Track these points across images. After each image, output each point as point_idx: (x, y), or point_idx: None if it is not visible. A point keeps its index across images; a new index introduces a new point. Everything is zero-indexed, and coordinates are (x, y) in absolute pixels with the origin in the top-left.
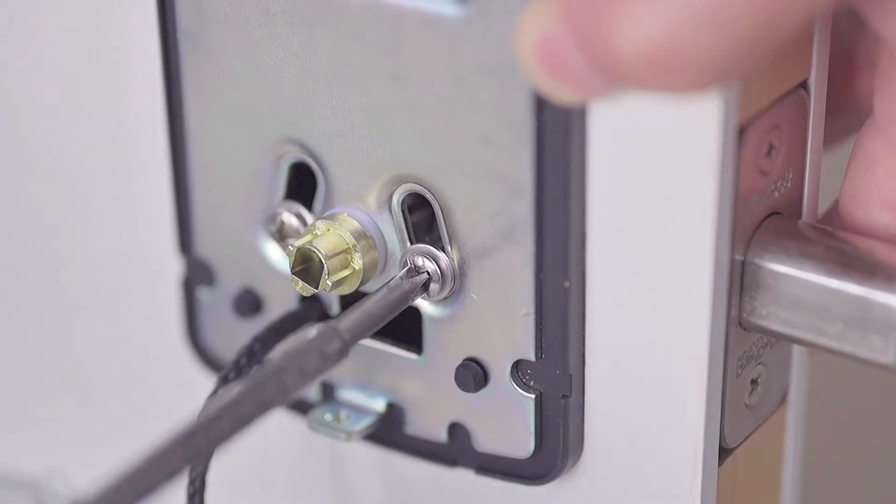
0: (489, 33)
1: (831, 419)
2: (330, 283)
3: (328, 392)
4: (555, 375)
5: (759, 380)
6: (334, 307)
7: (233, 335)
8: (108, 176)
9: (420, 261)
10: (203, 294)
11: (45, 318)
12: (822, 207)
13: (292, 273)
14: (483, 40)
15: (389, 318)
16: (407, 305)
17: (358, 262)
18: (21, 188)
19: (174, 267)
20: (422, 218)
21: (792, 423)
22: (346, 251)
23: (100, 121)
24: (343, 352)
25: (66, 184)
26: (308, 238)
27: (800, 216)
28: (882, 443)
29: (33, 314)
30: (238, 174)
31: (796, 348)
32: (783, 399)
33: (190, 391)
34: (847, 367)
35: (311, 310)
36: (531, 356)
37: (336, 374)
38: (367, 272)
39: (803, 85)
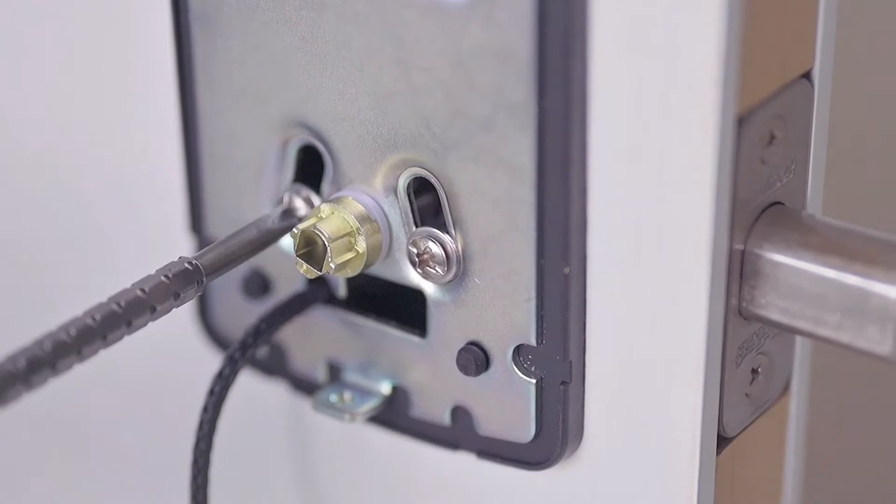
0: (491, 18)
1: (835, 410)
2: (333, 266)
3: (334, 374)
4: (555, 361)
5: (759, 369)
6: (341, 288)
7: (241, 315)
8: (121, 155)
9: (424, 244)
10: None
11: (58, 298)
12: (827, 199)
13: (296, 255)
14: (485, 25)
15: (251, 255)
16: (272, 244)
17: (361, 246)
18: (37, 167)
19: (186, 246)
20: (430, 202)
21: (794, 413)
22: (349, 234)
23: (113, 102)
24: (191, 276)
25: (79, 163)
26: (312, 221)
27: (804, 207)
28: (886, 435)
29: (47, 293)
30: (247, 155)
31: (799, 338)
32: (785, 389)
33: (200, 369)
34: (851, 359)
35: (318, 291)
36: (532, 341)
37: (341, 355)
38: (371, 255)
39: (808, 75)
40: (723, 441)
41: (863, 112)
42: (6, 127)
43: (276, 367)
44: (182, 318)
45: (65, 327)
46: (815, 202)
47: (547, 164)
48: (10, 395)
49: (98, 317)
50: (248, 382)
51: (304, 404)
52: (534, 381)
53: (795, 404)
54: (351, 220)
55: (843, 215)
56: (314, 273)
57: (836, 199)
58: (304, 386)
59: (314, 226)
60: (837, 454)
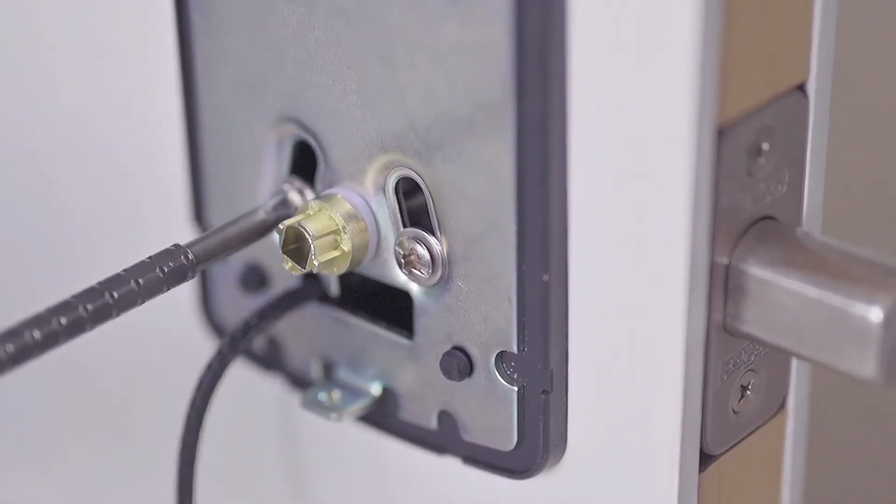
0: (469, 15)
1: (838, 429)
2: (317, 264)
3: (328, 371)
4: (536, 370)
5: (749, 386)
6: (333, 286)
7: (242, 308)
8: (124, 145)
9: (410, 245)
10: (213, 268)
11: (59, 288)
12: (826, 214)
13: (283, 252)
14: (463, 22)
15: (244, 245)
16: (265, 235)
17: (347, 244)
18: (38, 159)
19: (188, 236)
20: (421, 203)
21: (791, 432)
22: (335, 232)
23: (116, 93)
24: (184, 268)
25: (82, 153)
26: (299, 217)
27: (799, 221)
28: (890, 456)
29: (49, 283)
30: (245, 149)
31: None
32: (781, 407)
33: (201, 361)
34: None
35: (311, 288)
36: (514, 348)
37: (334, 353)
38: (357, 254)
39: (803, 87)
40: (707, 458)
41: (866, 125)
42: (8, 119)
43: (273, 361)
44: (184, 309)
45: (54, 310)
46: (812, 217)
47: (526, 167)
48: None
49: (89, 306)
50: (239, 376)
51: (295, 401)
52: (516, 388)
53: (792, 423)
54: (337, 218)
55: (843, 231)
56: (299, 270)
57: (836, 214)
58: (300, 382)
59: (299, 223)
60: (841, 474)
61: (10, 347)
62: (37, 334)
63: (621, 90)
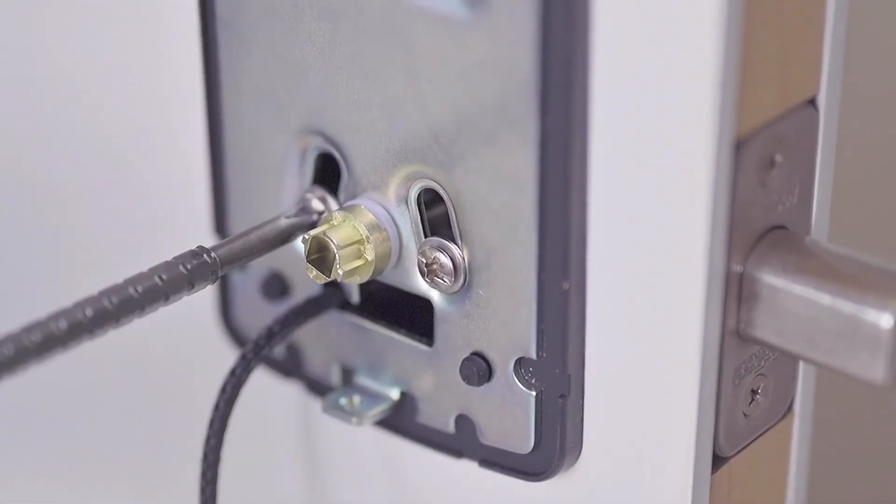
0: (494, 34)
1: (841, 432)
2: (341, 272)
3: (347, 377)
4: (554, 374)
5: (759, 391)
6: (354, 294)
7: (262, 316)
8: (148, 157)
9: (433, 254)
10: (234, 276)
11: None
12: (834, 224)
13: (307, 261)
14: (488, 41)
15: (267, 251)
16: (287, 242)
17: (370, 254)
18: (64, 168)
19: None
20: (442, 212)
21: (797, 434)
22: (358, 242)
23: (142, 105)
24: (207, 267)
25: (107, 163)
26: (324, 227)
27: (808, 232)
28: (892, 457)
29: (72, 290)
30: (268, 161)
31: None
32: (788, 411)
33: (221, 368)
34: (856, 382)
35: (332, 296)
36: (532, 354)
37: (353, 359)
38: (380, 263)
39: (813, 101)
40: (718, 460)
41: (872, 138)
42: (38, 129)
43: (292, 368)
44: (204, 316)
45: (80, 305)
46: (820, 227)
47: (548, 180)
48: (22, 366)
49: (115, 299)
50: (260, 382)
51: (314, 406)
52: (534, 393)
53: (798, 426)
54: (361, 228)
55: (851, 240)
56: (323, 278)
57: (845, 224)
58: (319, 388)
59: (325, 232)
60: (843, 475)
61: (37, 336)
62: (63, 324)
63: (643, 104)
